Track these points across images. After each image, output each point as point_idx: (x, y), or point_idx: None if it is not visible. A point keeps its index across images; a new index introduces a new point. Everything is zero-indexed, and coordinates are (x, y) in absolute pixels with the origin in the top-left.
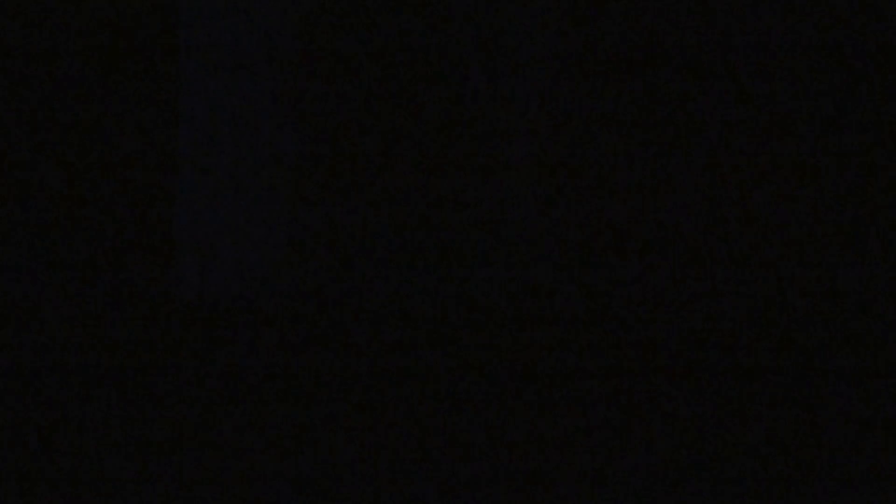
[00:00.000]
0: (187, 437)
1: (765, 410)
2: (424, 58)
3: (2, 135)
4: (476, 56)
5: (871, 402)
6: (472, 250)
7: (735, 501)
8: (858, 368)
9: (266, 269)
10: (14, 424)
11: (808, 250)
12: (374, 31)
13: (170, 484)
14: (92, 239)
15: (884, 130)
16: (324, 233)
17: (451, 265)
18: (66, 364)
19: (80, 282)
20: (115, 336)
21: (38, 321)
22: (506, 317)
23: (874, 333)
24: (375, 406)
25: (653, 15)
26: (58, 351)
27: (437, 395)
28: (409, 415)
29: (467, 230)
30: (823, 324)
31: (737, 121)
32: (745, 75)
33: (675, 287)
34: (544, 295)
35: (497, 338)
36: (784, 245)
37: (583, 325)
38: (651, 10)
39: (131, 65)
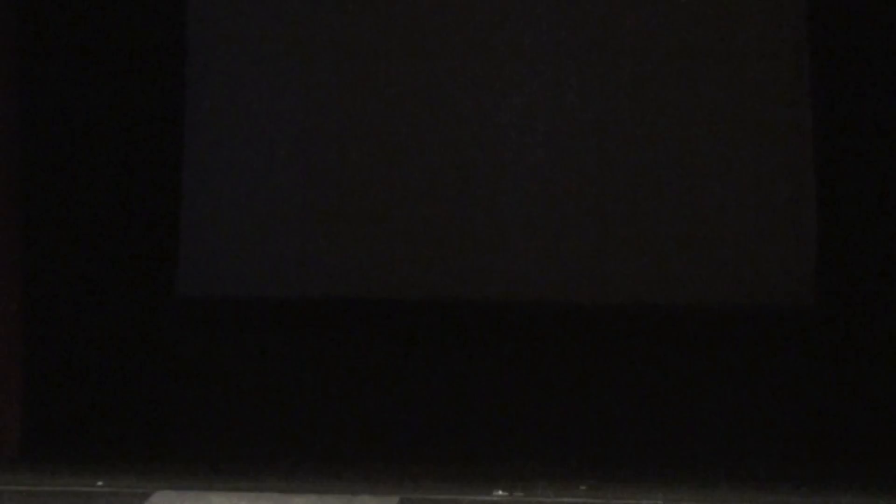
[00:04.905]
0: (186, 434)
1: None
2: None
3: (9, 133)
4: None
5: None
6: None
7: None
8: None
9: (273, 266)
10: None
11: None
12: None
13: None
14: (96, 236)
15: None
16: (328, 231)
17: (450, 262)
18: (68, 359)
19: (83, 278)
20: (118, 332)
21: (41, 316)
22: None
23: None
24: (380, 401)
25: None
26: (61, 346)
27: (439, 393)
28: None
29: (469, 230)
30: None
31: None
32: None
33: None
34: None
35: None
36: None
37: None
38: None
39: (137, 62)
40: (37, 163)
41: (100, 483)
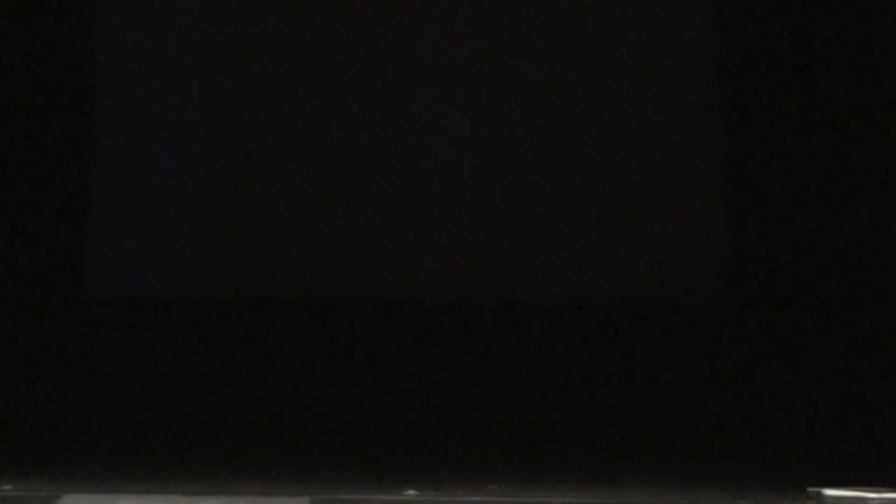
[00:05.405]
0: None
1: None
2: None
3: None
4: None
5: None
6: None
7: None
8: None
9: (183, 267)
10: None
11: None
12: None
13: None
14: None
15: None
16: (247, 230)
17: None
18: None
19: None
20: (23, 333)
21: None
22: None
23: None
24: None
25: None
26: None
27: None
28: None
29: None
30: None
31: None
32: None
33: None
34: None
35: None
36: None
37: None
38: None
39: (43, 60)
40: None
41: (7, 487)
